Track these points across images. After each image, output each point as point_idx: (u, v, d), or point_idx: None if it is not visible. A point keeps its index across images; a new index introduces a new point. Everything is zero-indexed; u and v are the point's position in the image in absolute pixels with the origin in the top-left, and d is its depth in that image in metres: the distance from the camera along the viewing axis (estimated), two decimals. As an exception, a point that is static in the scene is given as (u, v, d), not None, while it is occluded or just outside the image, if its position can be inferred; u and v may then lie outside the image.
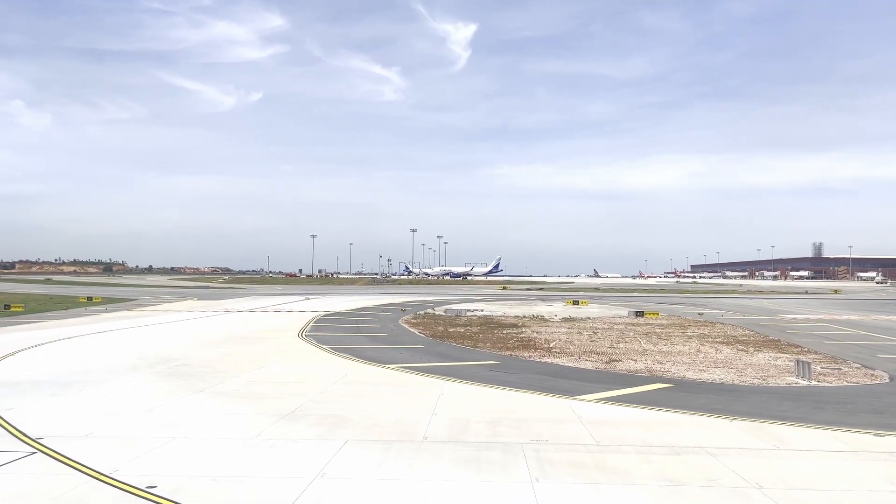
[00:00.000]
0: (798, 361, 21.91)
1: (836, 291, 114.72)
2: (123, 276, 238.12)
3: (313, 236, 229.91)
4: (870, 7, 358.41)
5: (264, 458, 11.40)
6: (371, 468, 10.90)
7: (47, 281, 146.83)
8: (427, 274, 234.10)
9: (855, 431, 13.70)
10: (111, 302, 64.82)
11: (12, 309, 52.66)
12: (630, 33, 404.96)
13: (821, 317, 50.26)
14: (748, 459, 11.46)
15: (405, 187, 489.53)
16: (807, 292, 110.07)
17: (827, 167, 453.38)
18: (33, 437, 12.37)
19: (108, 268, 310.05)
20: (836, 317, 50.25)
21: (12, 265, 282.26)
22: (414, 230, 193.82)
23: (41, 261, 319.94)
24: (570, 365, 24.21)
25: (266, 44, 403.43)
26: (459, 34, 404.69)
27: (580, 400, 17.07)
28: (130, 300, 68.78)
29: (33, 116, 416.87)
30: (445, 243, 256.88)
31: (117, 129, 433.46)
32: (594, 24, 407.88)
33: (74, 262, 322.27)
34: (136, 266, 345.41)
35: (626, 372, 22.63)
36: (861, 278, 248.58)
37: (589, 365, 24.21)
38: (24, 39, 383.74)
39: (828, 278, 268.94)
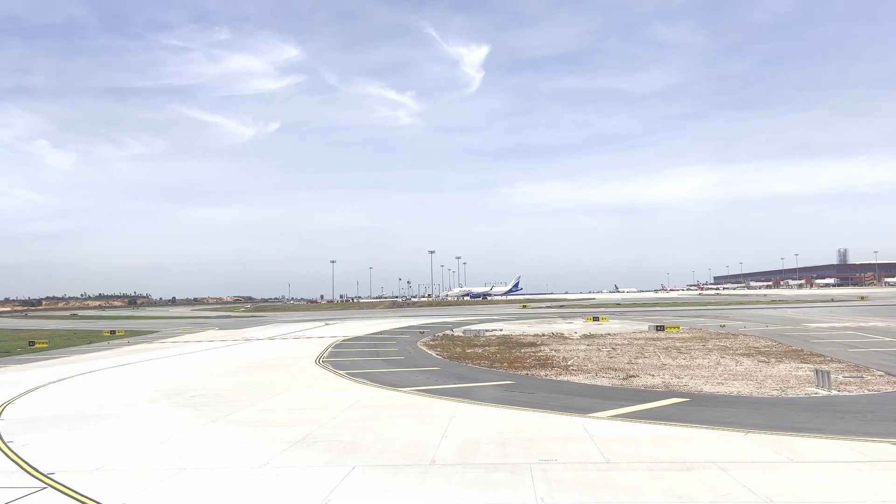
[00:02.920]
0: (817, 371, 21.53)
1: (862, 298, 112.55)
2: (147, 308, 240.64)
3: (333, 262, 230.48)
4: (887, 8, 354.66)
5: (271, 486, 11.38)
6: (377, 493, 10.84)
7: (72, 316, 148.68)
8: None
9: (872, 441, 13.40)
10: (134, 335, 65.55)
11: (37, 345, 53.52)
12: (645, 47, 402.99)
13: (846, 325, 49.40)
14: (760, 473, 11.24)
15: (424, 209, 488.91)
16: (832, 300, 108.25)
17: (851, 172, 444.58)
18: (45, 472, 12.47)
19: (132, 301, 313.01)
20: (861, 324, 49.37)
21: (39, 302, 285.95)
22: (432, 252, 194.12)
23: (67, 296, 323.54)
24: (586, 382, 24.01)
25: (282, 74, 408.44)
26: (472, 56, 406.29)
27: (593, 418, 16.90)
28: (153, 332, 69.47)
29: (58, 156, 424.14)
30: (465, 263, 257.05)
31: (140, 164, 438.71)
32: (608, 40, 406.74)
33: (100, 297, 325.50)
34: (160, 298, 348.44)
35: (642, 387, 22.39)
36: (888, 284, 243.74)
37: (605, 382, 23.99)
38: (48, 81, 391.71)
39: (854, 285, 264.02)
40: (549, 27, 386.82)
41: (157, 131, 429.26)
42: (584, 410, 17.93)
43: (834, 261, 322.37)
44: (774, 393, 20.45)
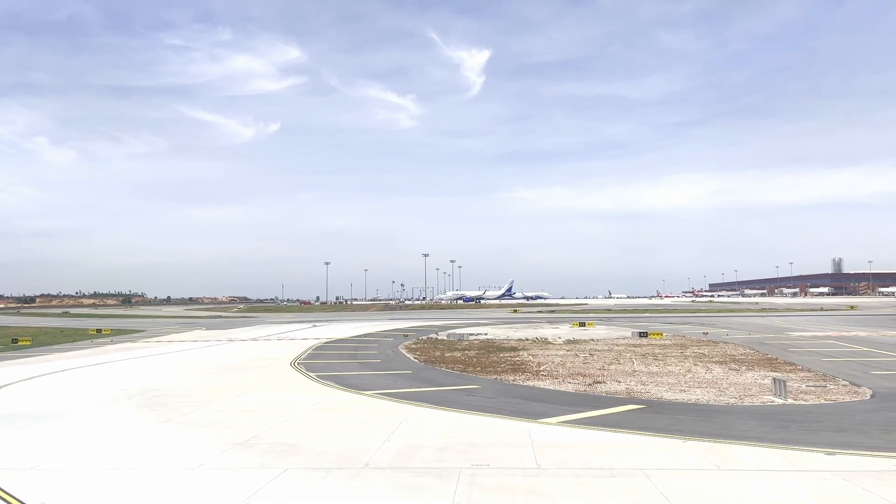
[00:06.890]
0: (774, 380, 21.60)
1: (851, 307, 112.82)
2: (141, 307, 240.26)
3: (327, 263, 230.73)
4: (888, 20, 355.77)
5: (197, 488, 11.41)
6: (299, 496, 10.88)
7: (64, 314, 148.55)
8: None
9: (807, 450, 13.44)
10: (119, 334, 65.50)
11: (20, 343, 53.46)
12: (648, 54, 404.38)
13: (828, 334, 49.54)
14: (683, 480, 11.28)
15: (422, 213, 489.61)
16: (822, 309, 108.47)
17: (849, 182, 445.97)
18: (-23, 471, 12.50)
19: (126, 299, 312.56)
20: (844, 333, 49.50)
21: (33, 299, 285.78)
22: (426, 255, 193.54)
23: (62, 294, 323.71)
24: (550, 388, 24.06)
25: (284, 75, 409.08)
26: (473, 60, 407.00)
27: (542, 423, 16.93)
28: (139, 331, 69.39)
29: (57, 153, 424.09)
30: (460, 267, 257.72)
31: (140, 163, 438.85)
32: (611, 46, 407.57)
33: (94, 295, 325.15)
34: (155, 297, 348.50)
35: (604, 394, 22.45)
36: (882, 293, 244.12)
37: (570, 387, 24.04)
38: (50, 78, 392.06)
39: (849, 294, 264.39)
40: (552, 33, 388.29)
41: (157, 130, 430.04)
42: (536, 416, 17.97)
43: (829, 270, 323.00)
44: (732, 401, 20.50)
